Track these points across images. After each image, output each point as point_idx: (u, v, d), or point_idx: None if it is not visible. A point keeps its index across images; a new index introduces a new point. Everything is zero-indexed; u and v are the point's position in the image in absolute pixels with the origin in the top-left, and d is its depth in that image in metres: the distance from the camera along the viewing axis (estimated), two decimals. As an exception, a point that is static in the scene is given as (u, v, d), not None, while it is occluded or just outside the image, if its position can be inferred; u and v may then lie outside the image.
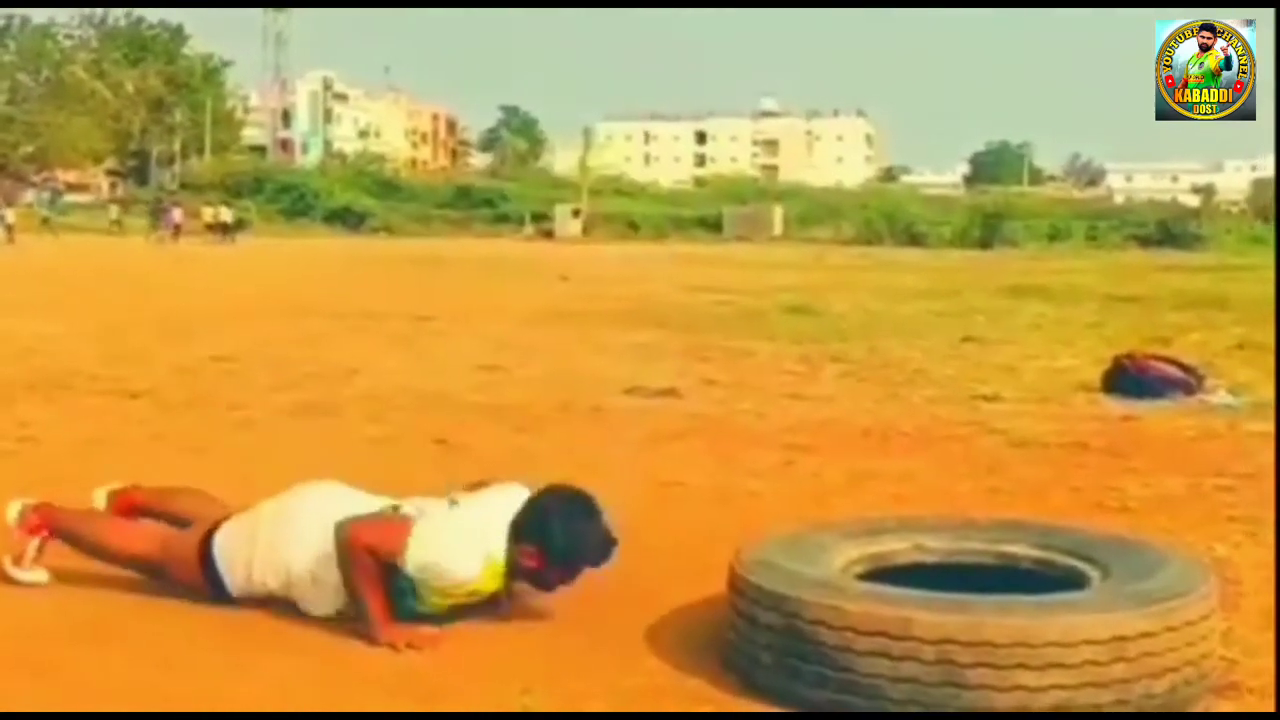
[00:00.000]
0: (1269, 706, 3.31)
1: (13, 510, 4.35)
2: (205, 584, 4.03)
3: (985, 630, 2.99)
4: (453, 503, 3.98)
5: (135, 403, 8.47)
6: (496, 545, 3.82)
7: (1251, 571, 4.43)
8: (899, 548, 3.80)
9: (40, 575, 4.24)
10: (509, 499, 3.94)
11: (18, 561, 4.25)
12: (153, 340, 12.39)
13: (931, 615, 3.05)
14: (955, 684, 2.99)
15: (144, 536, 4.24)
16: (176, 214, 54.03)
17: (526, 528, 3.83)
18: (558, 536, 3.80)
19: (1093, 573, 3.48)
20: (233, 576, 4.00)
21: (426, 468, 6.18)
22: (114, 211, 62.44)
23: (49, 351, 11.22)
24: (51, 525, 4.30)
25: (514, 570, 3.86)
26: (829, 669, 3.12)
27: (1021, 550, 3.75)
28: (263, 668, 3.55)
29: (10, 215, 49.68)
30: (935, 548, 3.81)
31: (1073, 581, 3.47)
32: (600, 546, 3.84)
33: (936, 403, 8.75)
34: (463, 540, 3.80)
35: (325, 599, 3.88)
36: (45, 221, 54.44)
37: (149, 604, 4.09)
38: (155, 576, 4.15)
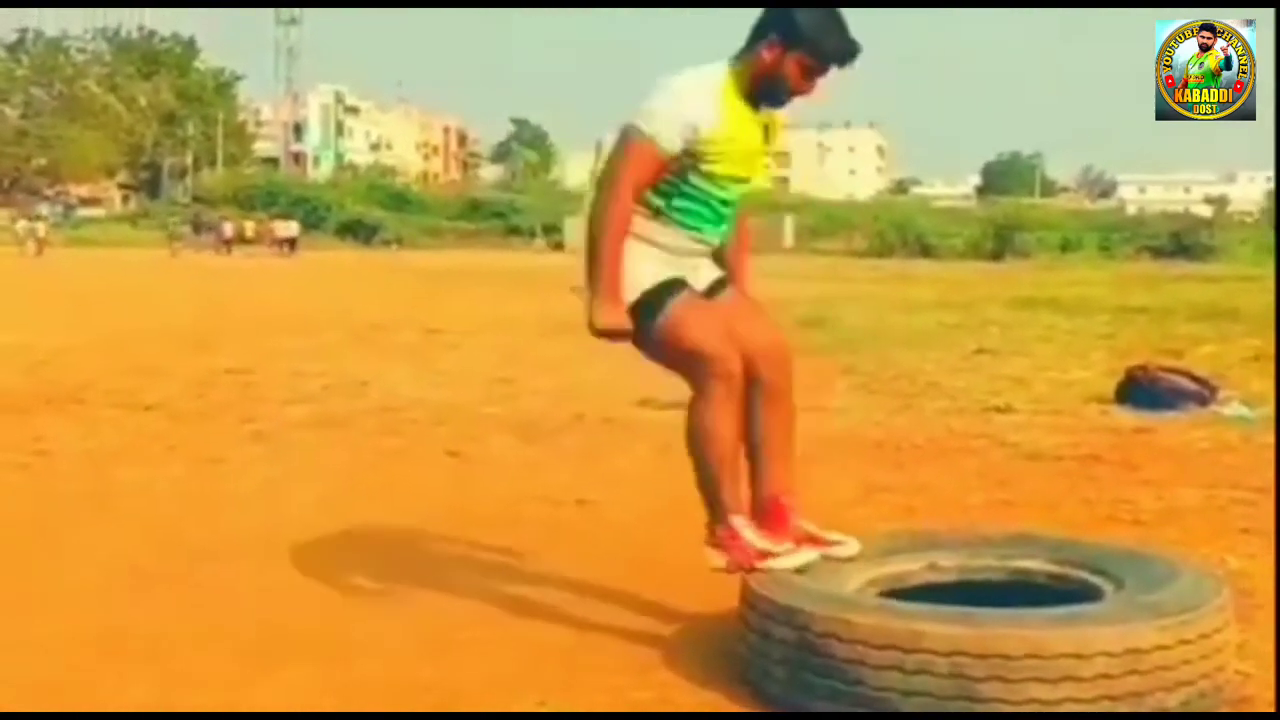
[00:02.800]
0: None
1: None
2: None
3: (998, 643, 2.98)
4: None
5: (149, 415, 8.50)
6: (718, 72, 3.61)
7: (1266, 584, 4.41)
8: (911, 562, 3.80)
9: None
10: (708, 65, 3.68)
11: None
12: (166, 353, 12.42)
13: (943, 628, 3.04)
14: (968, 697, 2.99)
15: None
16: (228, 228, 55.07)
17: (767, 20, 3.60)
18: (802, 18, 3.54)
19: (1106, 585, 3.47)
20: None
21: (440, 480, 6.20)
22: (25, 227, 52.62)
23: (63, 364, 11.27)
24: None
25: (751, 80, 3.61)
26: (841, 683, 3.12)
27: (1034, 563, 3.75)
28: (277, 677, 3.56)
29: (42, 229, 49.81)
30: (948, 562, 3.81)
31: (1086, 594, 3.47)
32: (846, 39, 3.58)
33: (949, 414, 8.73)
34: (687, 82, 3.60)
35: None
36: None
37: (161, 613, 4.10)
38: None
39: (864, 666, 3.08)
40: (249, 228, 57.03)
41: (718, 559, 3.73)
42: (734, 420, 3.75)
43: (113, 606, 4.20)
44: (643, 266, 3.70)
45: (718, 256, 3.94)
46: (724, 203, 3.78)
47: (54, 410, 8.63)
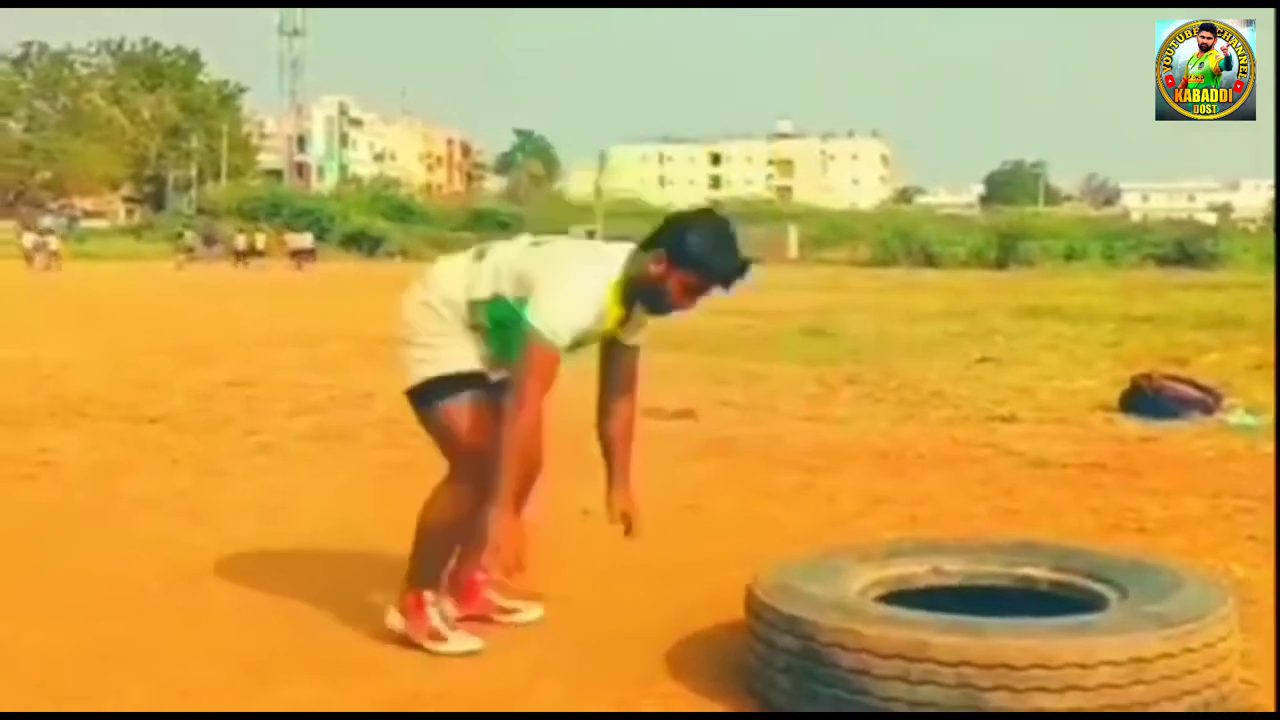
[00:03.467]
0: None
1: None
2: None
3: (1003, 652, 2.98)
4: (533, 245, 3.90)
5: (153, 427, 8.51)
6: (610, 276, 3.72)
7: (1271, 593, 4.41)
8: (916, 571, 3.80)
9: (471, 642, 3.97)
10: (614, 249, 3.83)
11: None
12: (169, 366, 12.43)
13: (949, 638, 3.04)
14: (973, 707, 2.98)
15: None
16: (241, 240, 55.50)
17: (661, 236, 3.72)
18: (692, 241, 3.65)
19: (1111, 594, 3.47)
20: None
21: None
22: (35, 240, 51.57)
23: (67, 378, 11.28)
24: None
25: (634, 284, 3.72)
26: (846, 692, 3.11)
27: (1039, 572, 3.75)
28: (277, 693, 3.56)
29: (54, 242, 49.81)
30: (952, 570, 3.81)
31: (1091, 603, 3.47)
32: (733, 261, 3.69)
33: (953, 424, 8.73)
34: (585, 296, 3.69)
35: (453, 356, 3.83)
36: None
37: (162, 625, 4.11)
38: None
39: (869, 676, 3.08)
40: (260, 240, 57.16)
41: (397, 621, 3.99)
42: (468, 514, 3.84)
43: (114, 618, 4.21)
44: (456, 350, 3.86)
45: (603, 401, 4.07)
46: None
47: (59, 423, 8.64)
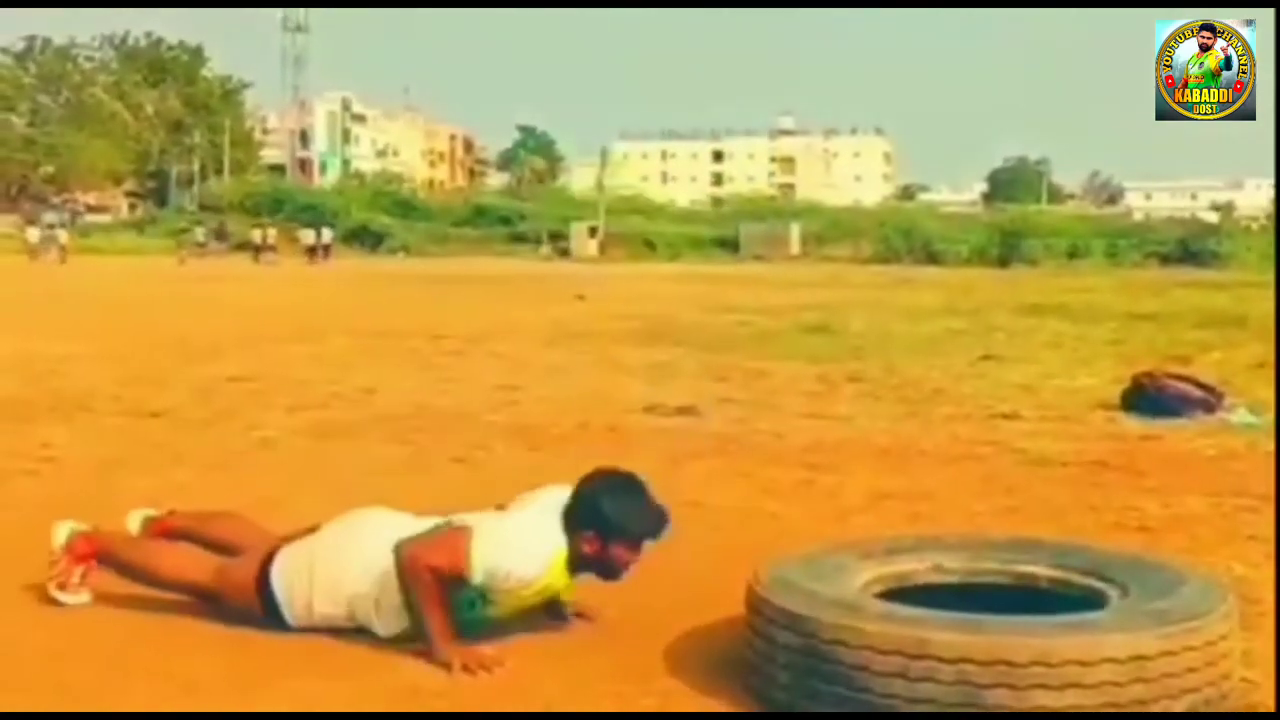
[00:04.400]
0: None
1: (60, 533, 4.34)
2: (263, 611, 4.03)
3: (1003, 650, 2.98)
4: (500, 508, 4.02)
5: (155, 422, 8.52)
6: (557, 540, 3.86)
7: (1272, 591, 4.41)
8: (917, 568, 3.80)
9: (84, 596, 4.26)
10: (557, 496, 3.96)
11: (62, 587, 4.26)
12: (172, 361, 12.44)
13: (949, 635, 3.04)
14: (973, 704, 2.99)
15: (196, 564, 4.23)
16: (257, 235, 56.29)
17: (578, 514, 3.88)
18: (610, 514, 3.84)
19: (1111, 592, 3.47)
20: (292, 610, 4.00)
21: (446, 487, 6.20)
22: (44, 235, 52.38)
23: (70, 372, 11.29)
24: (100, 552, 4.31)
25: (577, 561, 3.89)
26: (846, 689, 3.12)
27: (1039, 570, 3.75)
28: (280, 687, 3.56)
29: (63, 236, 49.87)
30: (953, 567, 3.81)
31: (1091, 601, 3.47)
32: (654, 517, 3.90)
33: (955, 421, 8.73)
34: (524, 538, 3.83)
35: (390, 620, 3.89)
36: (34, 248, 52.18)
37: (174, 626, 4.11)
38: (207, 602, 4.15)
39: (869, 673, 3.08)
40: (272, 235, 57.58)
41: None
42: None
43: (118, 614, 4.20)
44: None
45: None
46: None
47: (61, 418, 8.64)
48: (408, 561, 3.78)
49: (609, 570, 3.92)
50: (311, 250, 55.08)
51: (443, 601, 3.77)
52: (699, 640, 3.92)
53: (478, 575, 3.76)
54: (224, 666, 3.72)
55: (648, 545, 3.92)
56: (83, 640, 3.97)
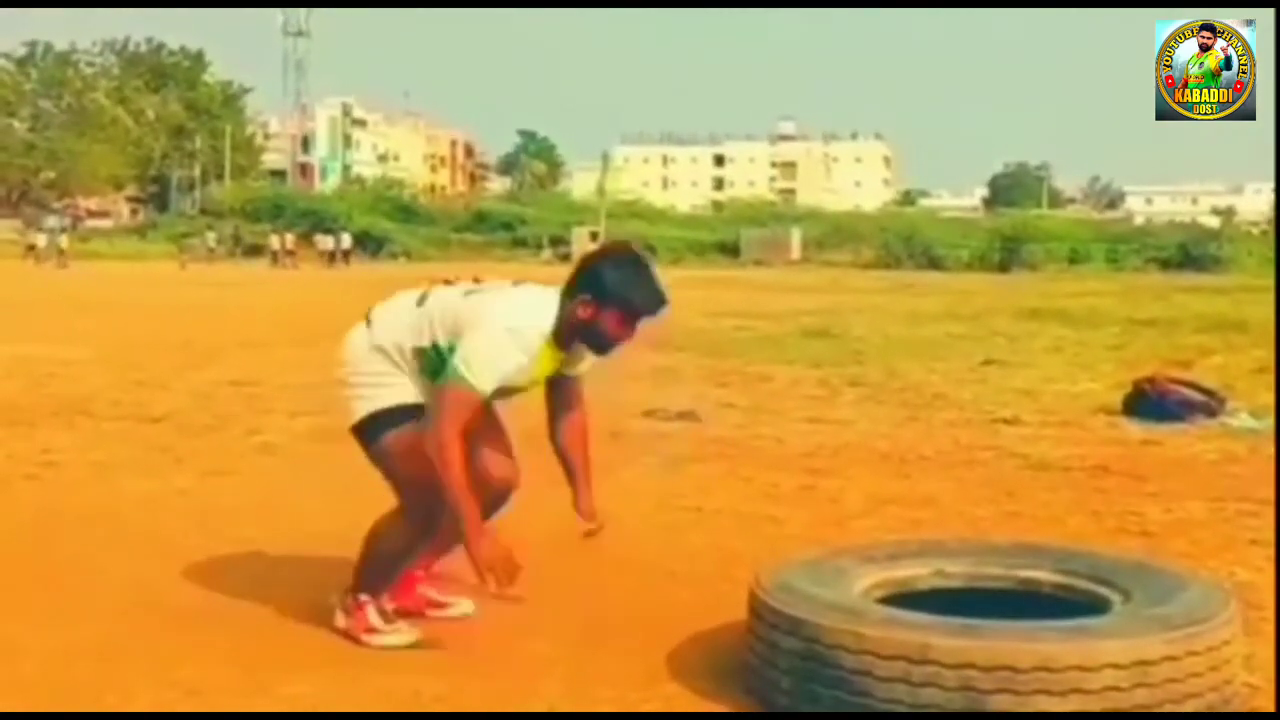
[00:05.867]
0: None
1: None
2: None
3: (1006, 655, 2.98)
4: (469, 293, 3.97)
5: (156, 427, 8.51)
6: (546, 323, 3.81)
7: (1274, 596, 4.40)
8: (919, 573, 3.80)
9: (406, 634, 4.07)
10: (542, 292, 3.92)
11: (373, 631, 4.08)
12: (173, 365, 12.44)
13: (951, 640, 3.04)
14: (975, 709, 2.98)
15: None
16: (275, 240, 56.41)
17: (579, 279, 3.83)
18: (610, 280, 3.78)
19: (1114, 597, 3.47)
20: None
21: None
22: (46, 239, 51.94)
23: (71, 377, 11.28)
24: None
25: (569, 329, 3.82)
26: (848, 694, 3.11)
27: (1042, 575, 3.74)
28: (281, 691, 3.56)
29: (64, 240, 49.89)
30: (955, 572, 3.81)
31: (1094, 606, 3.46)
32: (654, 294, 3.83)
33: (956, 426, 8.73)
34: (516, 337, 3.76)
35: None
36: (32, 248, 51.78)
37: (175, 627, 4.11)
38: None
39: (871, 678, 3.07)
40: (290, 240, 57.89)
41: (342, 620, 4.07)
42: (415, 541, 4.05)
43: (117, 618, 4.21)
44: (399, 387, 3.95)
45: (552, 423, 4.17)
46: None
47: (62, 422, 8.64)
48: (435, 450, 3.70)
49: (598, 340, 3.86)
50: (330, 255, 55.45)
51: (473, 492, 3.73)
52: (701, 644, 3.92)
53: (487, 387, 3.73)
54: (224, 667, 3.72)
55: (643, 324, 3.85)
56: (83, 640, 3.97)
